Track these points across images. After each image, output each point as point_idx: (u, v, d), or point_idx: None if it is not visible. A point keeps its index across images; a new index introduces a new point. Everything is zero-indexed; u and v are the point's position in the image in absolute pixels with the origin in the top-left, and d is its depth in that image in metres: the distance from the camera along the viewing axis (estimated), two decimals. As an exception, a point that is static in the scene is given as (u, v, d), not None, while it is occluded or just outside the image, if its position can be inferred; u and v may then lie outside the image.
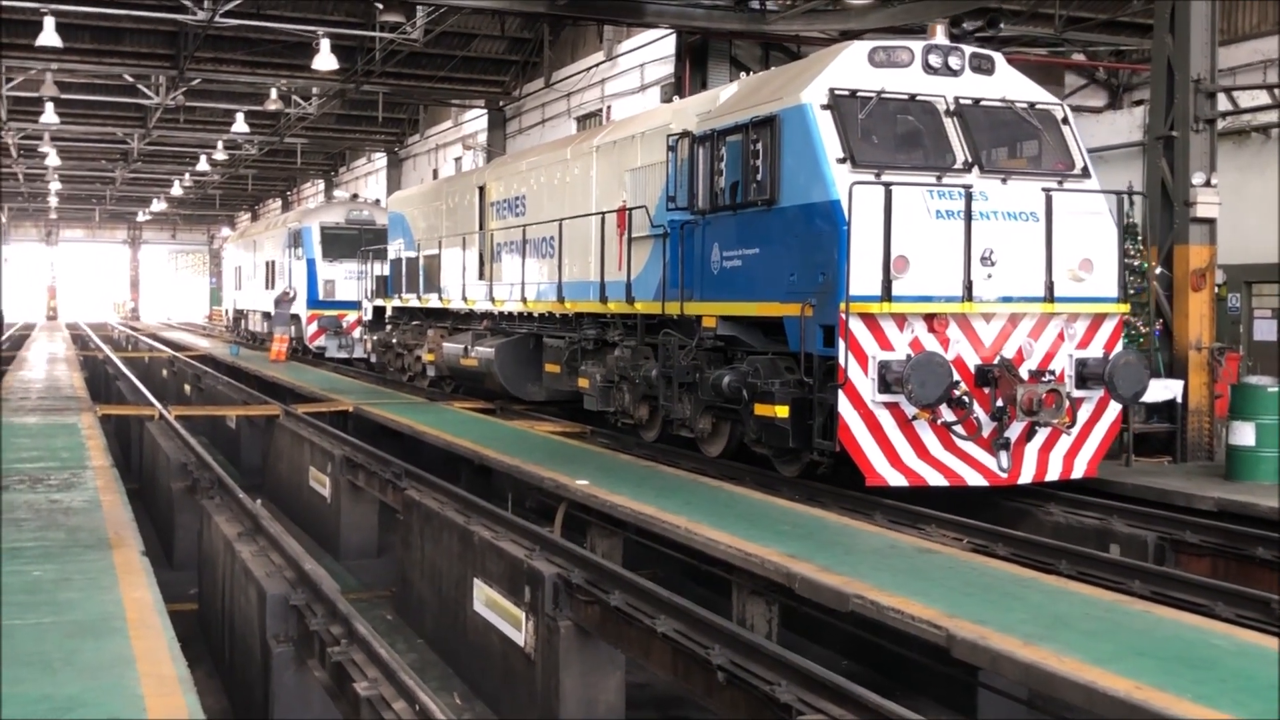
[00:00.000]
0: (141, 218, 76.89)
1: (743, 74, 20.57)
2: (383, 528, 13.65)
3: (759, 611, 8.50)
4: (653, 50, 25.86)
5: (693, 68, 23.10)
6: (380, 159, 45.38)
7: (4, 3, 23.53)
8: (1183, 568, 9.53)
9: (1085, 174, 11.32)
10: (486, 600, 8.97)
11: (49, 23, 23.56)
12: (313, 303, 30.44)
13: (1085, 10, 23.50)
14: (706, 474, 11.80)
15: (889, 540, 8.50)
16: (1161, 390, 12.70)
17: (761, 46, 24.04)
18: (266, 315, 34.27)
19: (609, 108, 27.97)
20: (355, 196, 37.20)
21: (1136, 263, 13.17)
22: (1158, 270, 13.38)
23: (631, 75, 27.13)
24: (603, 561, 8.02)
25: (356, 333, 29.48)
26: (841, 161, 10.49)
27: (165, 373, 28.34)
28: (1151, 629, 6.23)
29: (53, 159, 45.52)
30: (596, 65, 28.50)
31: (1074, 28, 23.66)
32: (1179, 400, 12.87)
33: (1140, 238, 13.46)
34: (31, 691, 4.89)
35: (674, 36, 23.99)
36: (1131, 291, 13.18)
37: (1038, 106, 11.48)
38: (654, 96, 25.71)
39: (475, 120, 35.92)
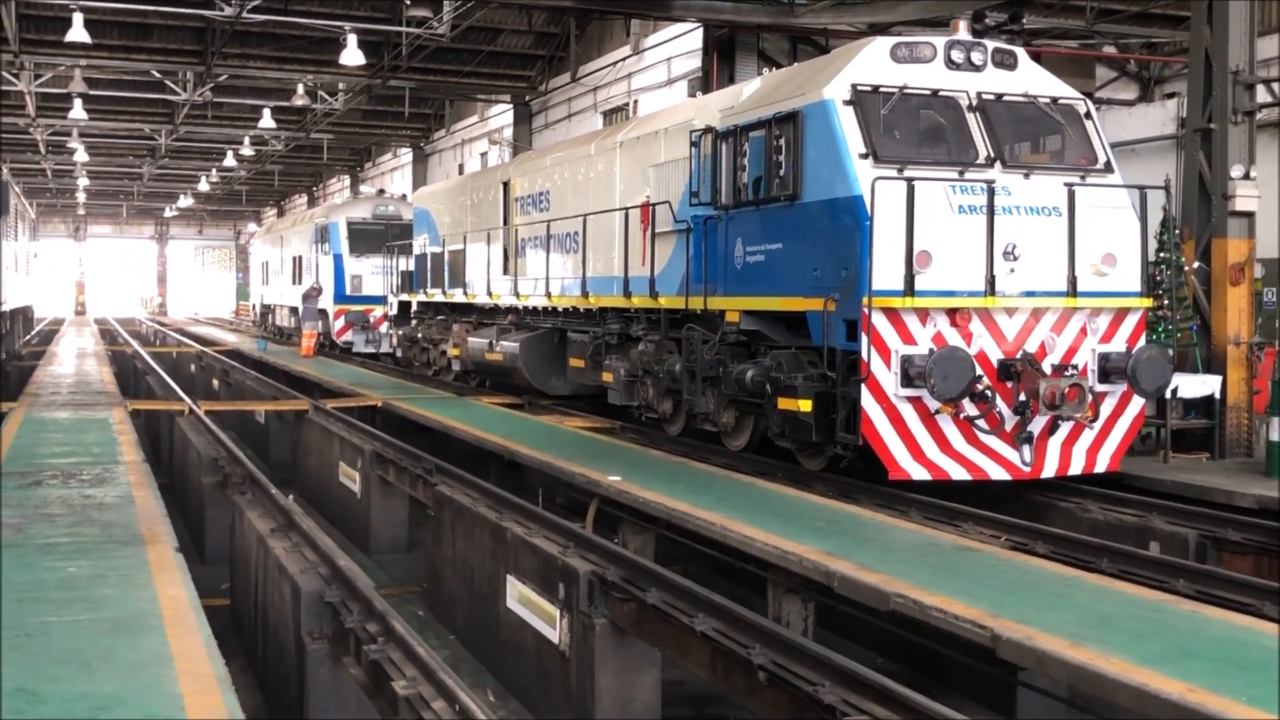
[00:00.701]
0: (168, 213, 77.26)
1: (766, 70, 20.46)
2: (412, 523, 13.62)
3: (794, 609, 8.43)
4: (679, 44, 25.75)
5: (720, 62, 22.95)
6: (406, 154, 45.42)
7: (33, -1, 23.64)
8: (1225, 566, 9.39)
9: (1108, 169, 11.31)
10: (520, 597, 8.91)
11: (78, 19, 23.62)
12: (340, 298, 30.48)
13: (1117, 2, 23.29)
14: (738, 470, 11.73)
15: (926, 538, 8.40)
16: (1199, 386, 12.56)
17: (789, 40, 23.87)
18: (293, 310, 34.33)
19: (635, 102, 27.88)
20: (382, 192, 37.20)
21: (1174, 257, 12.99)
22: (1195, 264, 13.21)
23: (658, 69, 27.04)
24: (639, 559, 7.94)
25: (383, 328, 29.50)
26: (864, 157, 10.53)
27: (193, 368, 28.42)
28: (1200, 629, 6.12)
29: (81, 155, 45.75)
30: (623, 60, 28.41)
31: (1105, 20, 23.43)
32: (1217, 396, 12.69)
33: (1178, 231, 13.26)
34: (69, 690, 4.85)
35: (701, 30, 23.86)
36: (1167, 286, 13.05)
37: (1060, 101, 11.46)
38: (681, 91, 25.61)
39: (501, 115, 35.89)
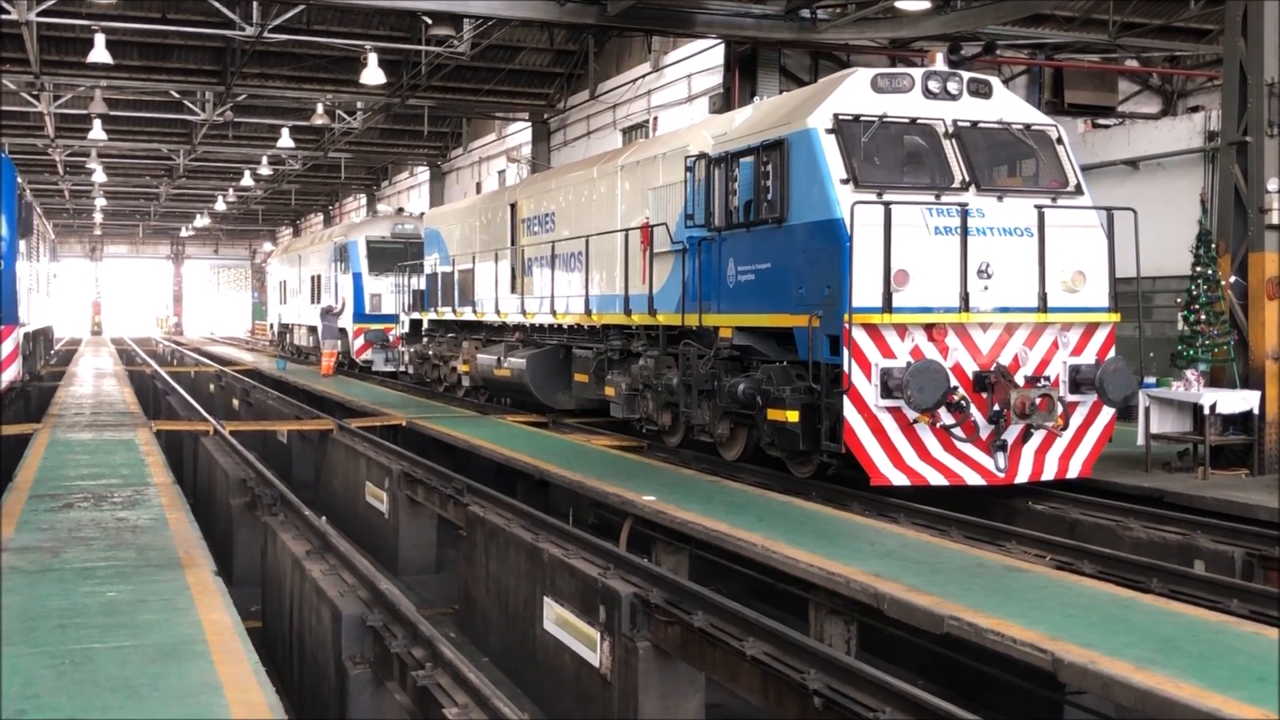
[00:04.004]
0: (184, 233, 77.48)
1: (788, 86, 20.38)
2: (440, 543, 13.51)
3: (837, 631, 8.30)
4: (700, 61, 25.68)
5: (742, 78, 22.91)
6: (423, 173, 45.43)
7: (56, 20, 23.67)
8: (1272, 584, 9.22)
9: (1078, 191, 11.89)
10: (557, 619, 8.79)
11: (99, 40, 23.70)
12: (359, 316, 30.47)
13: (1139, 16, 23.19)
14: (772, 489, 11.62)
15: (974, 558, 8.26)
16: (1238, 401, 12.39)
17: (811, 56, 23.83)
18: (312, 329, 34.32)
19: (655, 119, 27.81)
20: (400, 210, 37.21)
21: (1210, 271, 12.84)
22: (1232, 279, 13.06)
23: (678, 86, 26.97)
24: (683, 581, 7.81)
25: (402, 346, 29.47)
26: (845, 182, 11.13)
27: (213, 387, 28.38)
28: (1265, 651, 5.97)
29: (99, 175, 45.87)
30: (642, 77, 28.36)
31: (1128, 34, 23.34)
32: (1256, 411, 12.52)
33: (1214, 244, 13.12)
34: (119, 719, 4.75)
35: (722, 46, 23.81)
36: (1204, 300, 12.92)
37: (1033, 127, 12.09)
38: (701, 107, 25.54)
39: (519, 133, 35.87)
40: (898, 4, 19.34)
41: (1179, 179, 18.89)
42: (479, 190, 37.31)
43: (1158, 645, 6.02)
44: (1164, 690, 5.29)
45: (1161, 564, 8.91)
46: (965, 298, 10.96)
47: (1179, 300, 13.64)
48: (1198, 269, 13.00)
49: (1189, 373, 12.66)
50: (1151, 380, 13.38)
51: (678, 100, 26.95)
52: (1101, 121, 24.42)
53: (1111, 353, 11.55)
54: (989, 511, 11.65)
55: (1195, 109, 22.87)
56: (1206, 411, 12.18)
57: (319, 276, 34.77)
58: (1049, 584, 7.46)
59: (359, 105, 34.26)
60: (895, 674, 7.20)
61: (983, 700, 7.92)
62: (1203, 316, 12.84)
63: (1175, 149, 19.39)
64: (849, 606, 7.84)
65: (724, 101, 23.27)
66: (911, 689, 5.65)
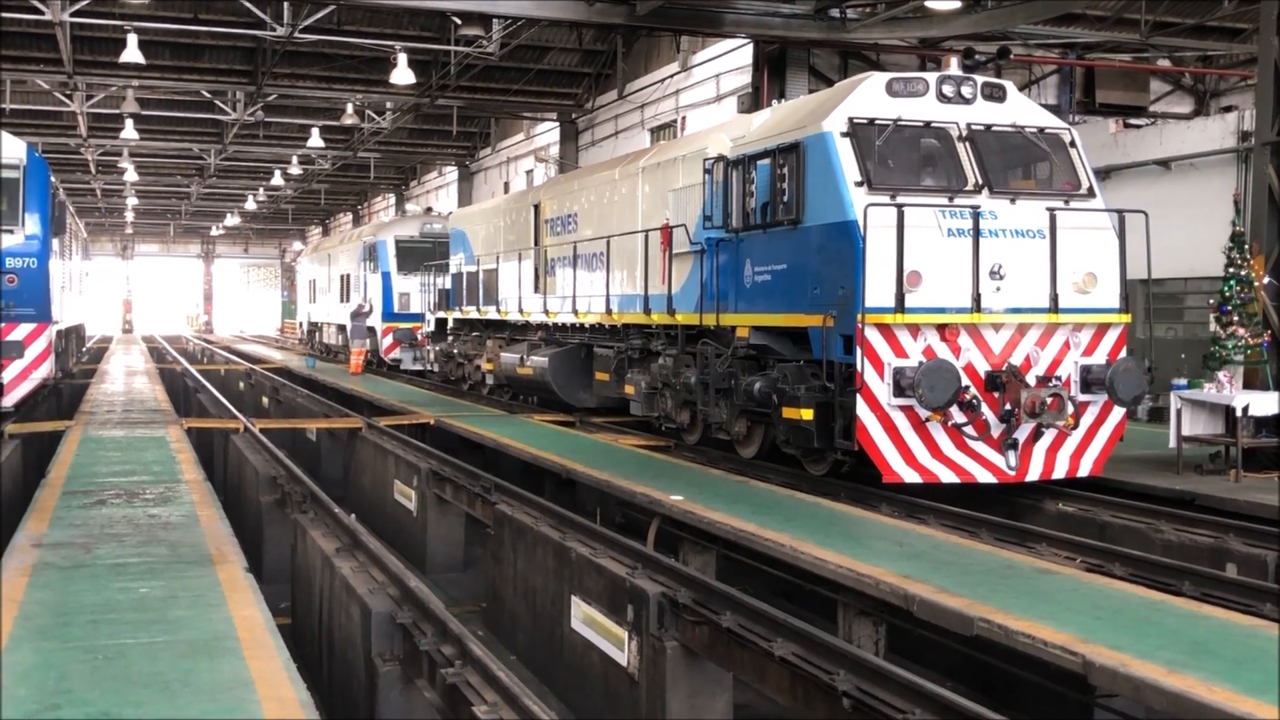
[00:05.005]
0: (215, 232, 77.93)
1: (817, 85, 20.32)
2: (468, 541, 13.54)
3: (866, 632, 8.28)
4: (728, 60, 25.65)
5: (771, 77, 22.86)
6: (451, 173, 45.55)
7: (89, 20, 23.86)
8: (1306, 589, 9.13)
9: (1090, 193, 11.99)
10: (585, 618, 8.80)
11: (132, 40, 23.87)
12: (388, 315, 30.58)
13: (1172, 15, 23.00)
14: (800, 489, 11.60)
15: (1004, 560, 8.23)
16: (1271, 404, 12.28)
17: (840, 55, 23.77)
18: (341, 328, 34.46)
19: (684, 118, 27.79)
20: (429, 210, 37.31)
21: (1244, 272, 12.75)
22: (1265, 280, 12.96)
23: (707, 86, 26.95)
24: (711, 581, 7.81)
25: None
26: (859, 184, 11.30)
27: (242, 385, 28.54)
28: (1299, 656, 5.92)
29: (131, 175, 46.19)
30: (671, 76, 28.35)
31: (1160, 33, 23.15)
32: (1289, 414, 12.41)
33: (1246, 245, 13.03)
34: (151, 714, 4.80)
35: (751, 46, 23.77)
36: (1238, 301, 12.83)
37: (1046, 131, 12.22)
38: (730, 107, 25.51)
39: (547, 133, 35.91)
40: (928, 3, 19.25)
41: (1212, 179, 18.76)
42: (507, 190, 37.39)
43: (1190, 648, 5.98)
44: (1196, 694, 5.26)
45: (1193, 567, 8.85)
46: (977, 298, 11.13)
47: (1211, 301, 13.55)
48: (1231, 270, 12.91)
49: (1221, 374, 12.56)
50: (1183, 382, 13.29)
51: (706, 100, 26.93)
52: (1133, 121, 24.24)
53: (1123, 353, 11.69)
54: (1018, 513, 11.61)
55: (1228, 109, 22.67)
56: (1239, 414, 12.08)
57: (348, 276, 34.92)
58: (1079, 586, 7.42)
59: (388, 105, 34.38)
60: (922, 676, 7.21)
61: (1010, 702, 7.87)
62: (1235, 318, 12.76)
63: (1208, 149, 19.27)
64: (878, 607, 7.82)
65: (753, 101, 23.22)
66: (941, 690, 5.64)
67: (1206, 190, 18.61)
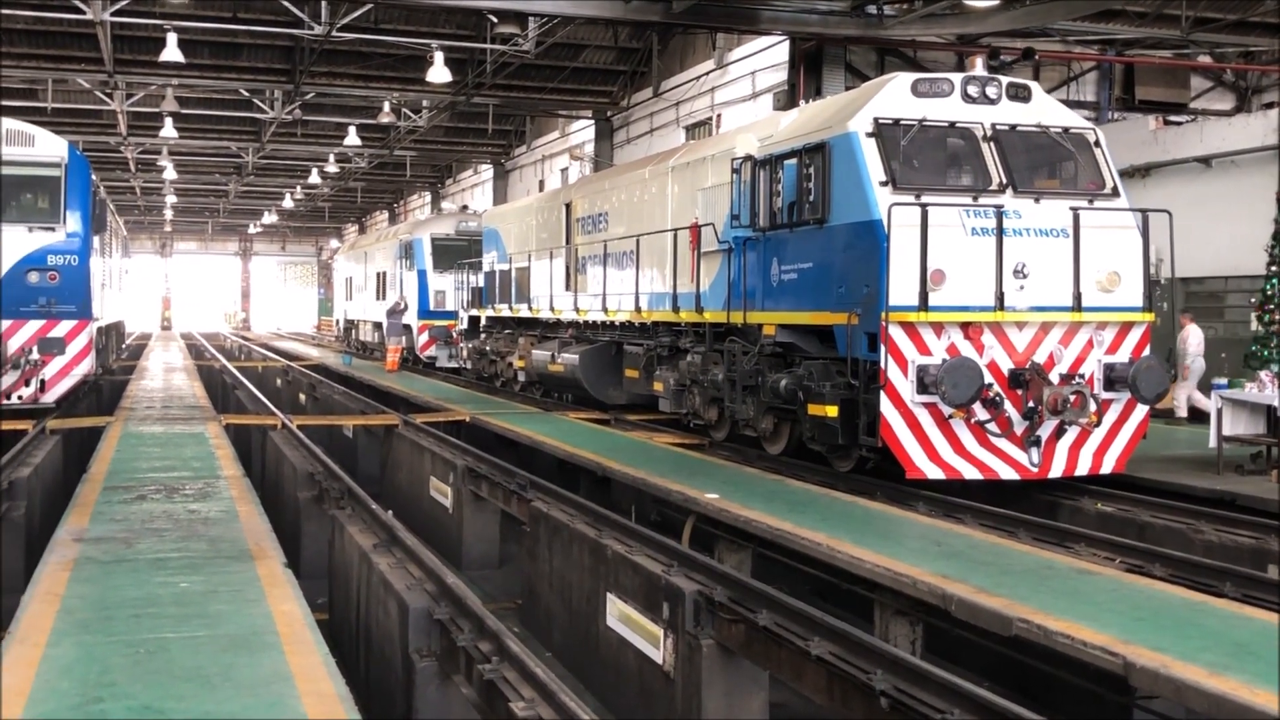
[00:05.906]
0: (252, 230, 78.51)
1: (854, 82, 20.21)
2: (503, 538, 13.58)
3: (903, 632, 8.24)
4: (764, 58, 25.61)
5: (807, 75, 22.80)
6: (487, 171, 45.70)
7: (129, 20, 24.09)
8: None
9: (1115, 193, 12.03)
10: (620, 615, 8.80)
11: (171, 39, 24.09)
12: (424, 313, 30.71)
13: (1213, 11, 22.78)
14: (836, 488, 11.58)
15: (1043, 560, 8.17)
16: (1314, 404, 12.15)
17: (877, 52, 23.69)
18: (377, 325, 34.63)
19: (719, 116, 27.77)
20: (465, 208, 37.45)
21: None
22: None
23: (742, 83, 26.91)
24: (748, 579, 7.80)
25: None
26: (884, 184, 11.41)
27: (280, 382, 28.73)
28: (1345, 659, 5.85)
29: (170, 173, 46.61)
30: (706, 74, 28.33)
31: (1201, 29, 22.95)
32: (1331, 414, 12.28)
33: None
34: (194, 708, 4.83)
35: (786, 43, 23.72)
36: (1275, 304, 12.70)
37: (1071, 130, 12.26)
38: (766, 104, 25.46)
39: (582, 131, 35.96)
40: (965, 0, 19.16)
41: (1253, 176, 18.58)
42: (542, 188, 37.48)
43: (1231, 650, 5.92)
44: (1239, 696, 5.20)
45: (1234, 568, 8.76)
46: (1001, 297, 11.21)
47: (1253, 300, 13.42)
48: (1273, 268, 12.78)
49: (1263, 374, 12.44)
50: (1223, 381, 13.16)
51: (742, 97, 26.89)
52: (1173, 118, 24.04)
53: (1146, 351, 11.75)
54: (1056, 513, 11.53)
55: (1270, 105, 22.47)
56: (1280, 414, 11.97)
57: (384, 273, 35.09)
58: (1119, 587, 7.36)
59: (424, 103, 34.53)
60: (960, 676, 7.17)
61: (1048, 703, 7.82)
62: (1278, 317, 12.61)
63: (1249, 146, 19.08)
64: (915, 607, 7.78)
65: (788, 99, 23.17)
66: (980, 690, 5.60)
67: (1248, 188, 18.43)
